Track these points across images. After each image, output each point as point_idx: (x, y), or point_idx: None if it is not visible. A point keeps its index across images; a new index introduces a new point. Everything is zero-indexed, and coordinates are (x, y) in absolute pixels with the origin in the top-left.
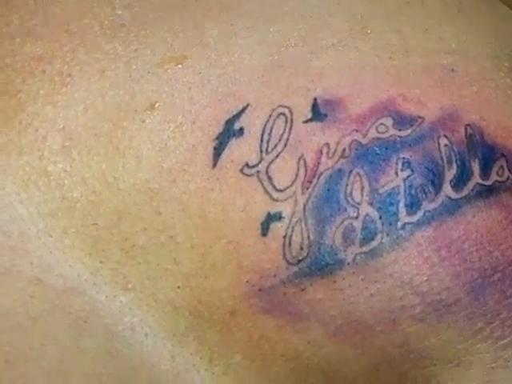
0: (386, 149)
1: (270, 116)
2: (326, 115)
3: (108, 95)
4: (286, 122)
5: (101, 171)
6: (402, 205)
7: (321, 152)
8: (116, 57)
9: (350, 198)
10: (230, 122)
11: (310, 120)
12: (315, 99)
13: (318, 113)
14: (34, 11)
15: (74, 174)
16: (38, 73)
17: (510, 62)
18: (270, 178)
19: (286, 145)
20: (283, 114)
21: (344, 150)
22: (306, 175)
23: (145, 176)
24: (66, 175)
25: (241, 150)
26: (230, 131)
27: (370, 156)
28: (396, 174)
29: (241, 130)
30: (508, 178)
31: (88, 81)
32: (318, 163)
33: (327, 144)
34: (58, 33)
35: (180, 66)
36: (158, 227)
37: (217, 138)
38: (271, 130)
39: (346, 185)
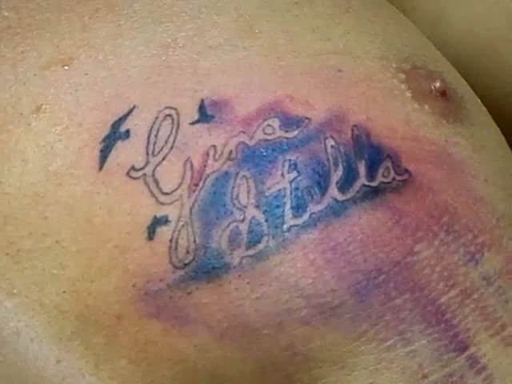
0: (273, 151)
1: (156, 118)
2: (213, 116)
3: None
4: (173, 123)
5: None
6: (288, 207)
7: (207, 154)
8: (2, 59)
9: (236, 201)
10: (116, 125)
11: (197, 121)
12: (202, 100)
13: (204, 114)
14: None
15: None
16: None
17: (398, 62)
18: (156, 181)
19: (172, 147)
20: (170, 115)
21: (230, 152)
22: (192, 178)
23: (31, 180)
24: None
25: (127, 152)
26: (116, 134)
27: (257, 158)
28: (282, 176)
29: (127, 132)
30: (394, 179)
31: None
32: (205, 166)
33: (214, 146)
34: None
35: (66, 67)
36: (43, 231)
37: (103, 140)
38: (158, 132)
39: (233, 187)
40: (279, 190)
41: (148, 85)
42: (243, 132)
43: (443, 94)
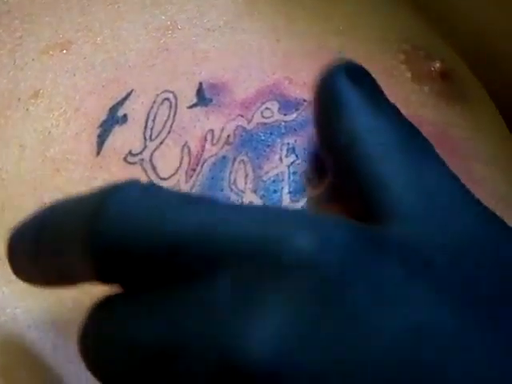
0: (271, 134)
1: (154, 102)
2: (210, 100)
3: None
4: (171, 107)
5: None
6: (285, 192)
7: (205, 139)
8: (0, 44)
9: (233, 186)
10: (113, 109)
11: (195, 105)
12: (200, 83)
13: (203, 97)
14: None
15: None
16: None
17: (398, 43)
18: (153, 167)
19: (169, 132)
20: (168, 99)
21: (228, 136)
22: (189, 163)
23: (28, 165)
24: None
25: (124, 137)
26: (113, 118)
27: (255, 142)
28: (280, 160)
29: (124, 116)
30: None
31: None
32: (202, 150)
33: (211, 130)
34: None
35: (65, 51)
36: None
37: (101, 125)
38: (155, 117)
39: (230, 172)
40: (277, 174)
41: (146, 68)
42: (241, 116)
43: (443, 75)
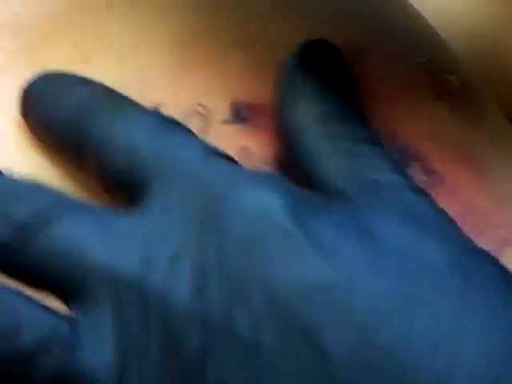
0: None
1: (184, 114)
2: (246, 119)
3: None
4: (203, 121)
5: None
6: None
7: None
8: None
9: None
10: None
11: (229, 122)
12: (235, 101)
13: (237, 115)
14: None
15: None
16: None
17: (419, 60)
18: None
19: None
20: (199, 112)
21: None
22: None
23: None
24: None
25: None
26: None
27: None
28: None
29: None
30: (423, 181)
31: None
32: None
33: (247, 148)
34: None
35: (85, 65)
36: None
37: None
38: None
39: None
40: None
41: (174, 80)
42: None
43: (463, 91)
